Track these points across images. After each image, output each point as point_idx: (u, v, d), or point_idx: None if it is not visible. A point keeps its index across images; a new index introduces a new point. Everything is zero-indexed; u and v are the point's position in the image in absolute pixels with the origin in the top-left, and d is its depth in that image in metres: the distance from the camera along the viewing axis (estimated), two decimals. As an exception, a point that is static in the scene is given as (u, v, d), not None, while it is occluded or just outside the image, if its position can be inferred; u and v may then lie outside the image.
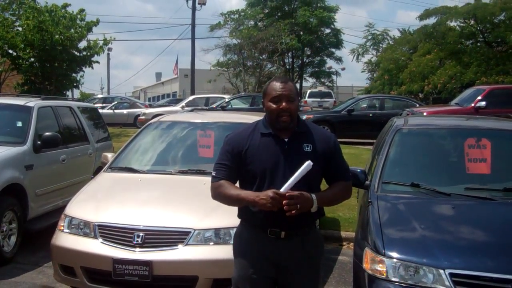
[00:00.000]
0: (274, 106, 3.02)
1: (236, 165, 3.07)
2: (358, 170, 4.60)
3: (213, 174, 3.12)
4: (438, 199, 4.28)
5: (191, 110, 9.14)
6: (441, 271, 3.37)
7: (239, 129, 3.21)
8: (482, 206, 4.21)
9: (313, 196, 2.93)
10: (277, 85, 3.04)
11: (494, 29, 26.55)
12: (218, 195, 3.10)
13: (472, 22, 27.48)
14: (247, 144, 3.07)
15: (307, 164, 2.89)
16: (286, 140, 3.05)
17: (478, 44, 28.33)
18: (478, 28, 27.72)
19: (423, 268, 3.43)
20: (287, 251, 3.04)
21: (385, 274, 3.49)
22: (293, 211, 2.82)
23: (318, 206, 2.97)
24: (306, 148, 3.04)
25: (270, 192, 2.83)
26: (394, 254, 3.54)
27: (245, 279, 3.09)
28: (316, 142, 3.08)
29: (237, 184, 3.12)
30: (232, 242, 4.33)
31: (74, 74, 19.54)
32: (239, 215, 3.19)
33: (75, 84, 19.95)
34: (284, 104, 2.99)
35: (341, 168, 3.16)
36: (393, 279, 3.46)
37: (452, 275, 3.34)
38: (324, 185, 3.19)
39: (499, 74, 24.24)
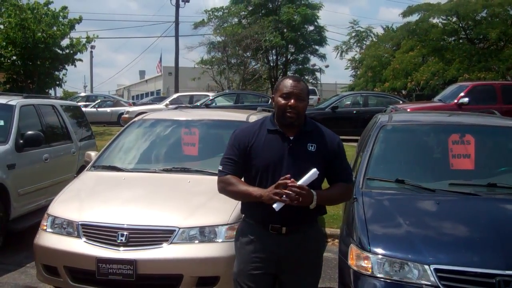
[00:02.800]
0: (283, 102, 3.10)
1: (242, 160, 3.16)
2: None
3: (220, 168, 3.21)
4: (422, 195, 4.30)
5: (175, 108, 9.06)
6: (426, 266, 3.39)
7: (247, 125, 3.34)
8: (466, 202, 4.23)
9: (314, 192, 3.00)
10: (289, 82, 3.14)
11: (476, 26, 26.77)
12: (224, 189, 3.19)
13: (455, 19, 27.69)
14: (253, 140, 3.16)
15: (313, 172, 2.98)
16: (291, 138, 3.13)
17: (461, 40, 28.56)
18: (460, 25, 27.96)
19: (408, 264, 3.44)
20: (288, 246, 3.12)
21: (370, 270, 3.50)
22: (294, 202, 2.91)
23: (317, 203, 3.03)
24: (310, 148, 3.13)
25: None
26: (379, 250, 3.55)
27: (244, 274, 3.18)
28: (320, 142, 3.17)
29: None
30: (217, 240, 4.36)
31: (56, 72, 19.38)
32: (242, 211, 3.30)
33: (57, 83, 19.77)
34: (293, 101, 3.08)
35: (344, 170, 3.25)
36: (378, 275, 3.47)
37: (437, 270, 3.36)
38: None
39: (481, 70, 24.44)
